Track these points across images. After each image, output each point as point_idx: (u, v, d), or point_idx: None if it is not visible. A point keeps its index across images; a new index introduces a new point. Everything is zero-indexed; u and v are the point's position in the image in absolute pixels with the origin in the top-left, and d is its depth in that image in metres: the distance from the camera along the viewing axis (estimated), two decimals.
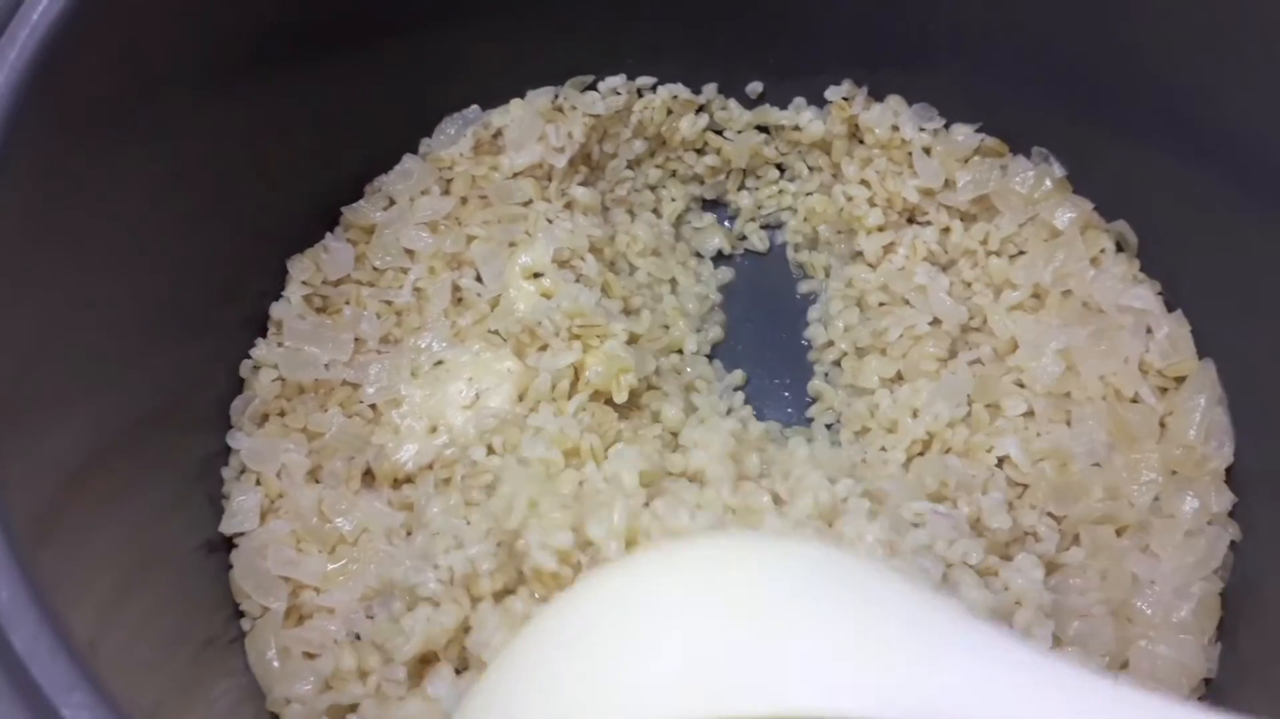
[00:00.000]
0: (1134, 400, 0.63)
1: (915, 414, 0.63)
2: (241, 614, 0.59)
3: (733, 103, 0.77)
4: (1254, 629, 0.57)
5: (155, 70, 0.55)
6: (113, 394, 0.54)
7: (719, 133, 0.77)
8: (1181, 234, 0.65)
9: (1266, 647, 0.55)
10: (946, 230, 0.71)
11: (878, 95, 0.74)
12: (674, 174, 0.78)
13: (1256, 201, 0.58)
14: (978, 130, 0.72)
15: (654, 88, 0.75)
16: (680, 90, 0.75)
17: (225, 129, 0.60)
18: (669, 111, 0.76)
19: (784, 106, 0.77)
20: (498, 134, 0.71)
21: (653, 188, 0.78)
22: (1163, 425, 0.62)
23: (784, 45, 0.74)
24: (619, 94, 0.74)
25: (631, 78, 0.75)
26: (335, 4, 0.62)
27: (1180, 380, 0.63)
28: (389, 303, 0.66)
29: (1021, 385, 0.65)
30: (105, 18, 0.50)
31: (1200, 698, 0.56)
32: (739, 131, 0.77)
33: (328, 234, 0.69)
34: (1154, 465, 0.61)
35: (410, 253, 0.67)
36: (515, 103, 0.72)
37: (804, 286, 0.77)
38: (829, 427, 0.69)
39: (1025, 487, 0.61)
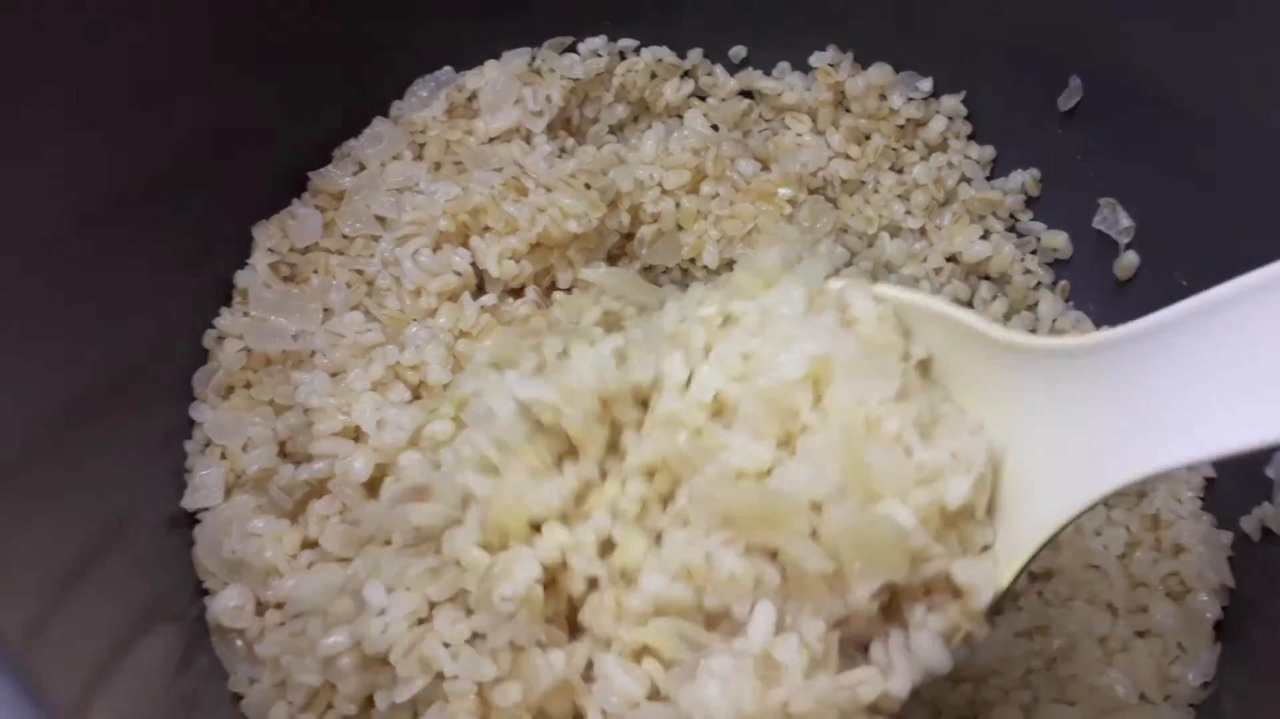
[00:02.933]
0: None
1: None
2: (205, 592, 0.57)
3: (718, 68, 0.75)
4: None
5: (117, 30, 0.53)
6: (69, 364, 0.52)
7: (702, 98, 0.75)
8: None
9: None
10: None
11: (864, 62, 0.72)
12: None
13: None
14: (964, 101, 0.71)
15: (637, 50, 0.73)
16: (665, 54, 0.73)
17: (188, 89, 0.57)
18: (652, 75, 0.73)
19: (768, 72, 0.75)
20: (472, 97, 0.69)
21: None
22: None
23: (766, 5, 0.72)
24: (599, 56, 0.72)
25: (612, 39, 0.72)
26: None
27: None
28: (359, 272, 0.64)
29: None
30: None
31: None
32: (723, 99, 0.74)
33: (295, 200, 0.66)
34: None
35: (381, 220, 0.65)
36: (490, 64, 0.70)
37: None
38: None
39: None
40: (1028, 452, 0.44)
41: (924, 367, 0.47)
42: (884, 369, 0.44)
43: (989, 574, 0.43)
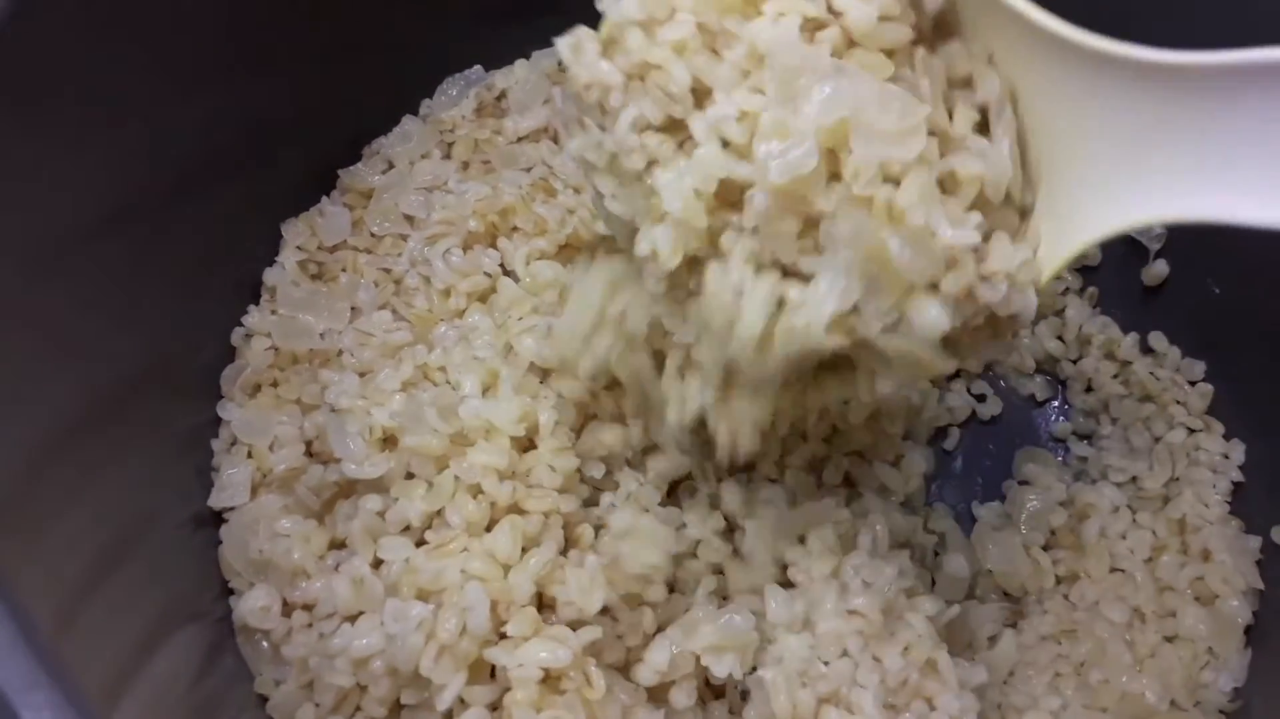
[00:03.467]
0: None
1: None
2: (231, 592, 0.57)
3: None
4: None
5: (148, 28, 0.52)
6: (94, 360, 0.52)
7: None
8: None
9: None
10: None
11: None
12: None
13: None
14: None
15: None
16: None
17: (218, 87, 0.57)
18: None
19: None
20: (501, 96, 0.69)
21: None
22: None
23: None
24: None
25: None
26: None
27: None
28: (387, 271, 0.64)
29: None
30: None
31: None
32: None
33: (324, 198, 0.66)
34: None
35: (409, 219, 0.65)
36: (520, 64, 0.70)
37: None
38: None
39: None
40: (1079, 144, 0.40)
41: (943, 22, 0.43)
42: (905, 115, 0.39)
43: (1028, 302, 0.41)
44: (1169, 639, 0.59)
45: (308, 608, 0.55)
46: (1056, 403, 0.70)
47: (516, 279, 0.62)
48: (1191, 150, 0.37)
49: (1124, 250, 0.68)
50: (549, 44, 0.70)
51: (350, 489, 0.57)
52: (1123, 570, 0.62)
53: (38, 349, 0.48)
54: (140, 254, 0.55)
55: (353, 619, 0.52)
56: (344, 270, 0.64)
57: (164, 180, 0.56)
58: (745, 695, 0.53)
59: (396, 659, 0.49)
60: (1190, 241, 0.65)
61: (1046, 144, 0.42)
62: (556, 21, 0.70)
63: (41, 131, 0.49)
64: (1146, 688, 0.57)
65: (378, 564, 0.54)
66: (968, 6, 0.42)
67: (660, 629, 0.53)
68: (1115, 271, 0.69)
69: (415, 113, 0.69)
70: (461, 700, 0.50)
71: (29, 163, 0.48)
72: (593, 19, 0.70)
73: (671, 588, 0.55)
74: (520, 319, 0.59)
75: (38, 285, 0.49)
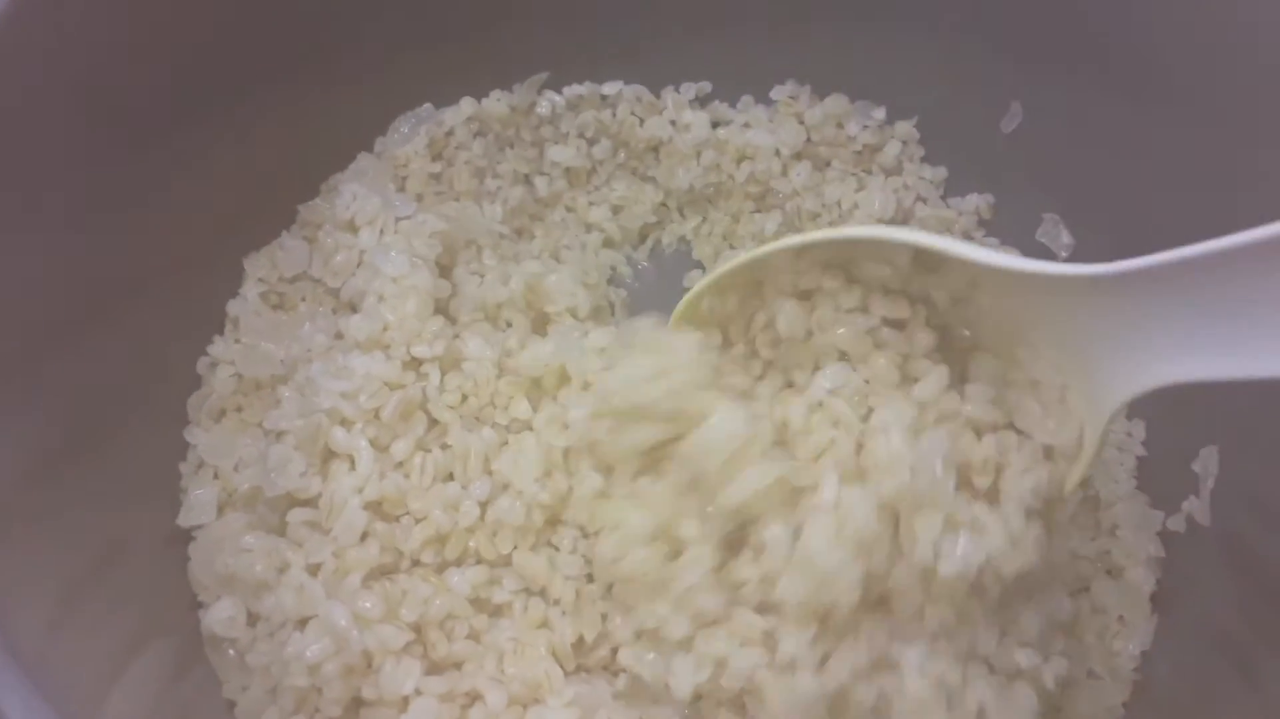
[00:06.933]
0: None
1: None
2: (200, 605, 0.60)
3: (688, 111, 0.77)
4: None
5: (111, 73, 0.56)
6: (70, 390, 0.55)
7: None
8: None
9: None
10: None
11: (821, 93, 0.76)
12: (633, 172, 0.78)
13: None
14: (915, 125, 0.75)
15: (618, 91, 0.76)
16: (643, 92, 0.76)
17: (182, 129, 0.61)
18: (631, 113, 0.76)
19: (734, 104, 0.78)
20: (450, 132, 0.72)
21: None
22: None
23: (729, 45, 0.76)
24: (580, 94, 0.75)
25: (597, 81, 0.76)
26: (289, 6, 0.63)
27: None
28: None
29: None
30: (58, 21, 0.52)
31: None
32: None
33: (284, 232, 0.70)
34: None
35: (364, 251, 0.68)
36: (466, 100, 0.73)
37: None
38: None
39: None
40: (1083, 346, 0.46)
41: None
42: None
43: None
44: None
45: (268, 618, 0.58)
46: None
47: None
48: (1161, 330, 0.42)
49: (1038, 258, 0.71)
50: (493, 85, 0.74)
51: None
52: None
53: (22, 379, 0.52)
54: (110, 289, 0.58)
55: (302, 625, 0.55)
56: (303, 300, 0.67)
57: (131, 218, 0.59)
58: None
59: (348, 658, 0.52)
60: (1097, 251, 0.67)
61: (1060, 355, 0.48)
62: (501, 64, 0.74)
63: (11, 174, 0.52)
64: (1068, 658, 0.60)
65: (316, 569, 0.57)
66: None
67: None
68: None
69: (370, 149, 0.72)
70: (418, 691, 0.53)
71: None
72: (535, 60, 0.74)
73: None
74: None
75: (17, 319, 0.52)
